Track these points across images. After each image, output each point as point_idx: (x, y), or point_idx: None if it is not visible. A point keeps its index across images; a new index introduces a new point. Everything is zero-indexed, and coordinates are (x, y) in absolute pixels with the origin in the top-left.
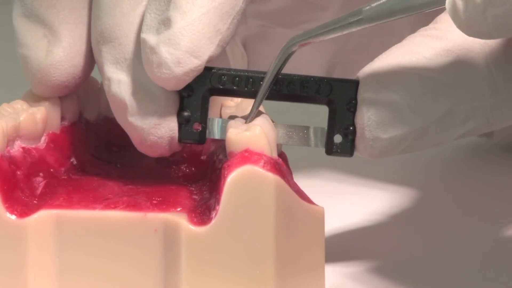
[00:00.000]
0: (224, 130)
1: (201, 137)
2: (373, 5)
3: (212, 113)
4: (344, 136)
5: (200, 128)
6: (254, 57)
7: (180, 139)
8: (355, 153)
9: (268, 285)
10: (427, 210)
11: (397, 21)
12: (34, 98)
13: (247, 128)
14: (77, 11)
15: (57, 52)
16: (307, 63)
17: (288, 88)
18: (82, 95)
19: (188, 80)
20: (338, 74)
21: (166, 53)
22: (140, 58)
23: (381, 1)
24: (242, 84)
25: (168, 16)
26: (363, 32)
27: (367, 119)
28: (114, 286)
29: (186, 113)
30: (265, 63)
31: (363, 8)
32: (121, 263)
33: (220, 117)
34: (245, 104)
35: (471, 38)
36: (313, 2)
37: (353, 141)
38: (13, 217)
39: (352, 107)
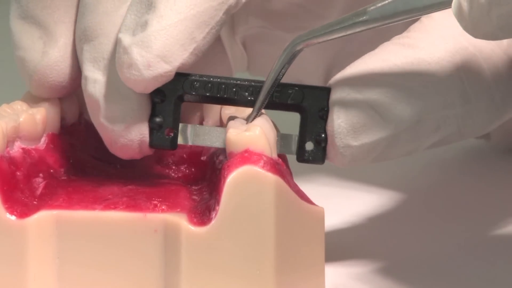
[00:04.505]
0: (196, 136)
1: (173, 143)
2: (378, 5)
3: (212, 114)
4: (317, 143)
5: (172, 134)
6: (254, 57)
7: (151, 145)
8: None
9: (268, 285)
10: (426, 211)
11: (394, 25)
12: (33, 99)
13: (247, 129)
14: (73, 10)
15: (53, 53)
16: (305, 68)
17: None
18: (82, 96)
19: (157, 84)
20: None
21: (137, 54)
22: None
23: (386, 2)
24: (214, 90)
25: (146, 19)
26: (361, 36)
27: (337, 126)
28: (114, 287)
29: (158, 119)
30: (265, 63)
31: (368, 8)
32: (121, 264)
33: (220, 118)
34: None
35: (443, 47)
36: (312, 9)
37: (325, 149)
38: (13, 217)
39: (324, 115)
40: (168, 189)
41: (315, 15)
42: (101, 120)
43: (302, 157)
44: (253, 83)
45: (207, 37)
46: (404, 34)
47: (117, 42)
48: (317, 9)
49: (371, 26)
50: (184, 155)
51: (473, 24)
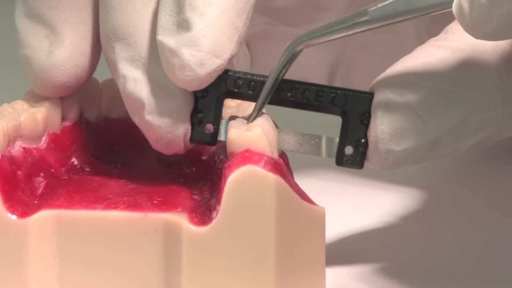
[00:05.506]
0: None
1: (213, 138)
2: (379, 5)
3: None
4: (355, 148)
5: (212, 130)
6: (257, 57)
7: (192, 140)
8: (366, 164)
9: (268, 285)
10: (430, 210)
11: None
12: (34, 98)
13: (248, 128)
14: (79, 11)
15: (59, 53)
16: (311, 62)
17: (303, 96)
18: (83, 95)
19: (211, 80)
20: (341, 72)
21: (189, 55)
22: (156, 57)
23: (387, 2)
24: (258, 89)
25: (185, 18)
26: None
27: (381, 132)
28: (115, 286)
29: (199, 114)
30: (268, 63)
31: (369, 9)
32: (122, 263)
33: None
34: (246, 105)
35: (482, 48)
36: (317, 2)
37: (363, 154)
38: (14, 217)
39: (365, 120)
40: (169, 188)
41: (319, 7)
42: (146, 117)
43: (341, 160)
44: (295, 85)
45: (246, 23)
46: (442, 35)
47: (158, 45)
48: (321, 1)
49: (372, 26)
50: (185, 155)
51: (474, 24)
